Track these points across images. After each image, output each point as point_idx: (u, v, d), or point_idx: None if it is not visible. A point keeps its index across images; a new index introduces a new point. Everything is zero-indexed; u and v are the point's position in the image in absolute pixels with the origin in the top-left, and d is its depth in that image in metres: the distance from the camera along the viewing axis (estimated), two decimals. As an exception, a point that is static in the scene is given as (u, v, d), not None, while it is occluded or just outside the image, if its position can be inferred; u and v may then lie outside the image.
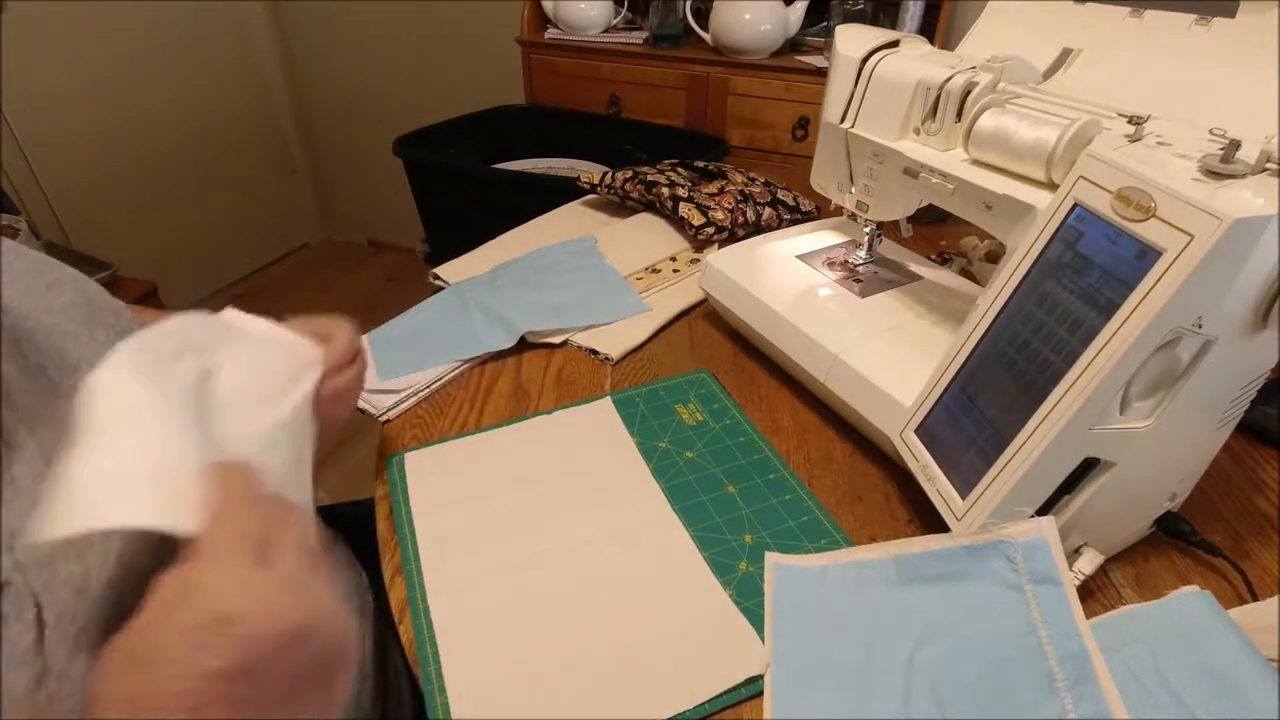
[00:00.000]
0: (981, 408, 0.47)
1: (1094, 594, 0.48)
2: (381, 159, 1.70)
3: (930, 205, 0.61)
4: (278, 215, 2.57)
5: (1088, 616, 0.42)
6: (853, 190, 0.69)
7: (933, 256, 0.86)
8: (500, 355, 0.71)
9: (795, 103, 1.48)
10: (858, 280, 0.70)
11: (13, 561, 0.30)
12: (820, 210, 0.96)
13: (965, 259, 0.85)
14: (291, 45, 2.37)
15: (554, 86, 1.71)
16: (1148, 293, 0.37)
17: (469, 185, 1.46)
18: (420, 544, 0.51)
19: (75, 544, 0.32)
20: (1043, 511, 0.45)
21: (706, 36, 1.55)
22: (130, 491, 0.29)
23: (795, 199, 0.96)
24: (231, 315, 0.45)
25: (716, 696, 0.42)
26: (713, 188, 0.95)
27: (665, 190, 0.94)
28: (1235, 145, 0.38)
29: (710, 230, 0.89)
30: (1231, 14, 0.49)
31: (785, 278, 0.70)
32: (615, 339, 0.73)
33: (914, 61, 0.58)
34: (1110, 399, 0.41)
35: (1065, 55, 0.58)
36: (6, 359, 0.35)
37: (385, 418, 0.63)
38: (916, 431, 0.52)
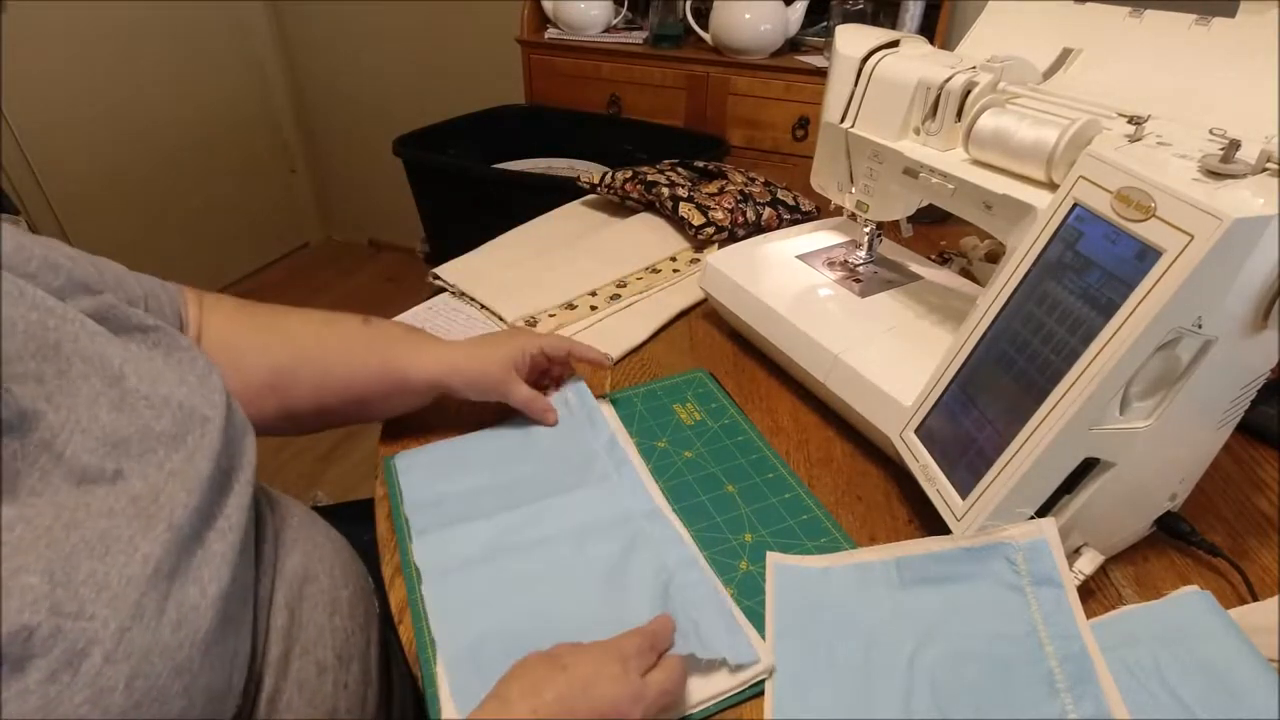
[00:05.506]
0: (981, 408, 0.47)
1: (1094, 594, 0.48)
2: (381, 159, 1.70)
3: (930, 205, 0.61)
4: (278, 215, 2.56)
5: (1088, 617, 0.42)
6: (853, 190, 0.69)
7: (933, 256, 0.86)
8: (500, 355, 0.71)
9: (795, 103, 1.48)
10: (858, 280, 0.70)
11: (46, 590, 0.30)
12: (820, 210, 0.96)
13: (965, 259, 0.85)
14: (291, 45, 2.36)
15: (554, 86, 1.71)
16: (1148, 293, 0.37)
17: (469, 185, 1.46)
18: (419, 544, 0.51)
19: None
20: (1043, 511, 0.45)
21: (706, 36, 1.55)
22: None
23: (795, 199, 0.96)
24: None
25: (717, 697, 0.42)
26: (713, 188, 0.95)
27: (665, 190, 0.94)
28: (1235, 145, 0.38)
29: (710, 230, 0.89)
30: (1231, 14, 0.49)
31: (785, 278, 0.70)
32: (615, 339, 0.73)
33: (914, 61, 0.58)
34: (1110, 399, 0.41)
35: (1065, 55, 0.58)
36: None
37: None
38: (916, 431, 0.52)
